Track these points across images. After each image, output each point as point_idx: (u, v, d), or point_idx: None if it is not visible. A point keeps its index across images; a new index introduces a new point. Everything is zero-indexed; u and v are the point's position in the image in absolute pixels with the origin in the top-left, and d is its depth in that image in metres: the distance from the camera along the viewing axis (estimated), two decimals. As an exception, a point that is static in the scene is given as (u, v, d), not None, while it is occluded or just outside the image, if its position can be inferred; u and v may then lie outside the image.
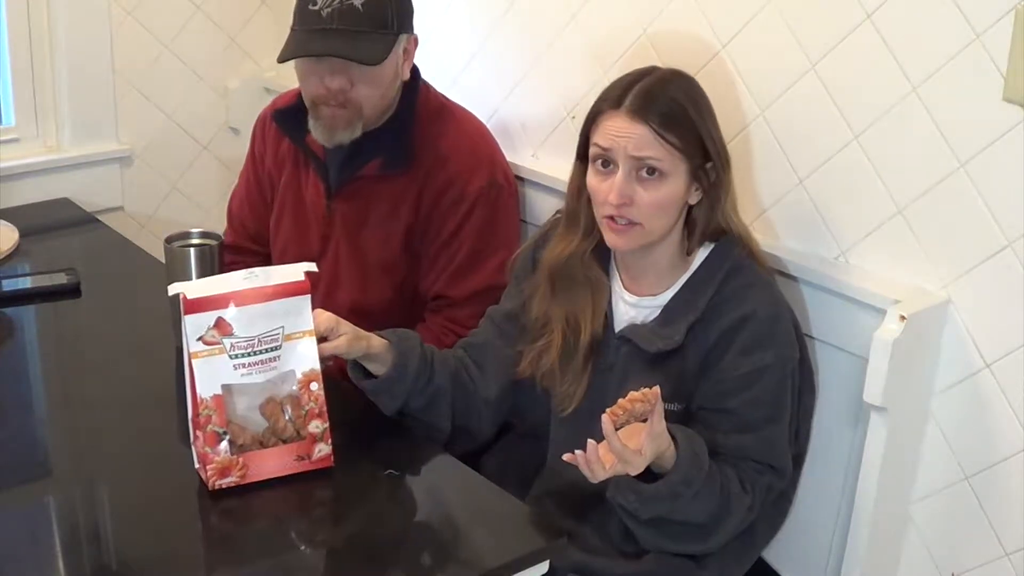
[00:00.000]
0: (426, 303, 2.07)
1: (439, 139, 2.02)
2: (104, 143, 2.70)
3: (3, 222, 2.37)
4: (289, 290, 1.55)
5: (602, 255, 1.73)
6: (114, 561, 1.47)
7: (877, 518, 1.73)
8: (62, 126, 2.65)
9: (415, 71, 2.05)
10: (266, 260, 2.18)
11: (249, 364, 1.53)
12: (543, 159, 2.25)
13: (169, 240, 1.97)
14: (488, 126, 2.22)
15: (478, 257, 2.00)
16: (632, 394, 1.46)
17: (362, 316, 2.06)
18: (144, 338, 1.98)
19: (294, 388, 1.56)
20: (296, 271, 1.57)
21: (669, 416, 1.57)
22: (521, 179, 2.26)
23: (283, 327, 1.55)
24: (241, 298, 1.53)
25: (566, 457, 1.48)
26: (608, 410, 1.45)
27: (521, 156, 2.29)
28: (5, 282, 2.11)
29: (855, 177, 1.76)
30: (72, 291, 2.13)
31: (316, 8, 1.87)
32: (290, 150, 2.12)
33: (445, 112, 2.07)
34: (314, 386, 1.57)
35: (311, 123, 1.98)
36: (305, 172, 2.10)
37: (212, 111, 2.83)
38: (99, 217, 2.55)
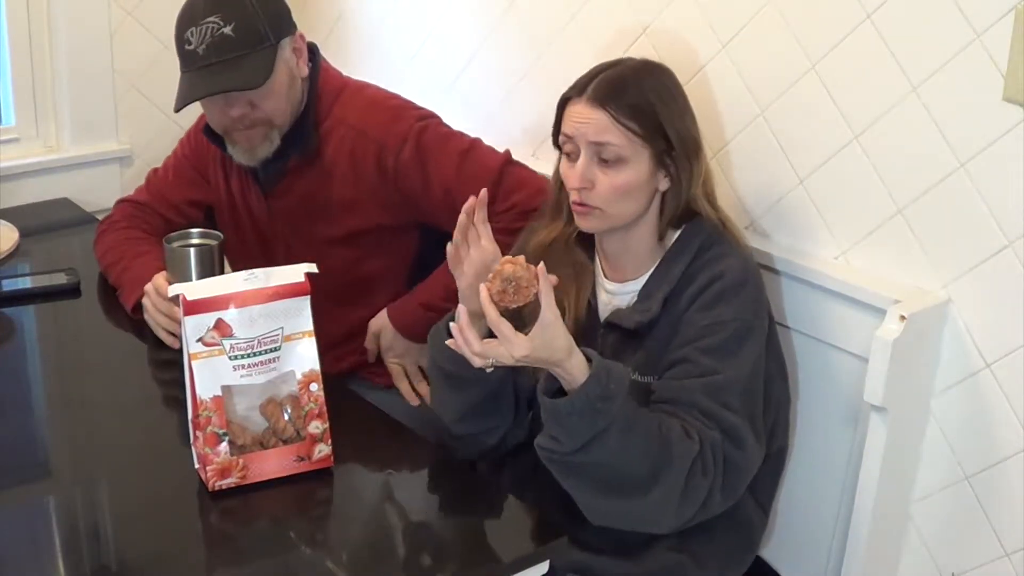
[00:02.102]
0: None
1: (345, 115, 2.02)
2: (104, 143, 2.70)
3: (3, 222, 2.37)
4: (289, 291, 1.55)
5: (586, 243, 1.74)
6: (114, 561, 1.47)
7: (877, 518, 1.73)
8: (62, 126, 2.66)
9: (314, 54, 2.05)
10: (168, 224, 2.15)
11: (249, 365, 1.53)
12: (543, 159, 2.25)
13: (169, 240, 1.98)
14: (488, 126, 2.22)
15: (464, 169, 1.98)
16: (504, 258, 1.45)
17: (332, 300, 2.07)
18: (144, 338, 1.97)
19: (294, 389, 1.56)
20: (296, 272, 1.57)
21: (646, 388, 1.60)
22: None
23: (283, 328, 1.55)
24: (241, 299, 1.53)
25: (448, 342, 1.47)
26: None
27: (521, 156, 2.28)
28: (5, 282, 2.11)
29: (855, 177, 1.76)
30: (72, 291, 2.13)
31: (192, 48, 1.88)
32: (229, 159, 2.11)
33: (345, 90, 2.06)
34: (314, 387, 1.57)
35: (230, 149, 2.00)
36: (245, 179, 2.11)
37: (212, 111, 2.83)
38: (99, 217, 2.54)
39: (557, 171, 1.72)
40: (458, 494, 1.62)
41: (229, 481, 1.53)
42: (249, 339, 1.53)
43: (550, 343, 1.43)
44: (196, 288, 1.53)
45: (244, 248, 2.16)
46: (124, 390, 1.87)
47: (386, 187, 2.01)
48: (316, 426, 1.57)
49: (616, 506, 1.54)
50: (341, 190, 2.03)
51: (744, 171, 1.92)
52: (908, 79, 1.66)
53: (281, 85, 1.93)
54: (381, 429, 1.74)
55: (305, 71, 2.00)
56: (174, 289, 1.54)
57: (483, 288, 1.44)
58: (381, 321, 2.10)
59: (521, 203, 1.95)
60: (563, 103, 1.67)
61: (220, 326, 1.52)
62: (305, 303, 1.56)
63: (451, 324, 1.48)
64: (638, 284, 1.70)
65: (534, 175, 2.02)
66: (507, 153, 2.03)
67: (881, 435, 1.69)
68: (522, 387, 1.77)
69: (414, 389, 2.13)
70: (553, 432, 1.49)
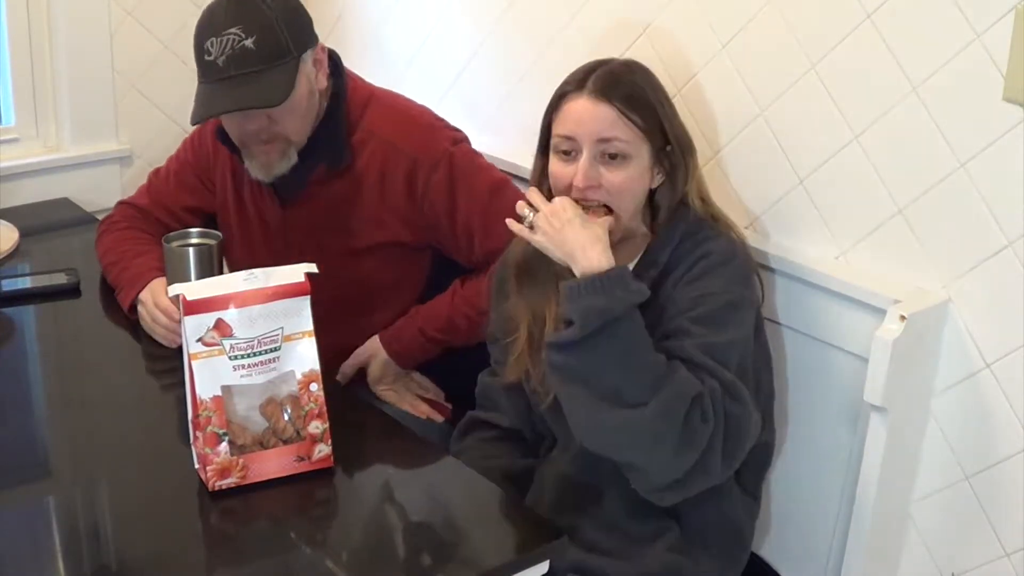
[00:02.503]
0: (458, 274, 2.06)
1: (377, 127, 2.01)
2: (104, 143, 2.70)
3: (3, 222, 2.37)
4: (289, 291, 1.55)
5: None
6: (114, 561, 1.47)
7: (877, 518, 1.73)
8: (62, 126, 2.66)
9: (337, 65, 2.03)
10: (167, 230, 2.11)
11: (249, 365, 1.53)
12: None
13: (168, 240, 1.98)
14: (488, 126, 2.21)
15: (492, 205, 1.96)
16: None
17: (344, 312, 2.07)
18: (144, 338, 1.97)
19: (294, 389, 1.56)
20: (296, 272, 1.57)
21: None
22: (521, 179, 2.26)
23: (283, 328, 1.55)
24: (241, 299, 1.53)
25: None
26: None
27: (521, 156, 2.28)
28: (5, 282, 2.11)
29: (855, 177, 1.76)
30: (72, 291, 2.13)
31: (212, 59, 1.84)
32: (239, 166, 2.10)
33: (373, 100, 2.05)
34: (314, 387, 1.57)
35: (247, 162, 1.97)
36: (258, 187, 2.08)
37: (212, 111, 2.83)
38: (99, 217, 2.54)
39: (537, 177, 1.69)
40: (458, 494, 1.62)
41: (229, 481, 1.53)
42: (249, 339, 1.53)
43: (589, 227, 1.56)
44: (196, 288, 1.53)
45: (251, 256, 2.14)
46: (124, 390, 1.86)
47: (412, 205, 1.99)
48: (316, 426, 1.57)
49: (611, 419, 1.52)
50: (368, 202, 2.01)
51: (744, 171, 1.92)
52: (908, 79, 1.66)
53: (301, 100, 1.90)
54: (381, 429, 1.74)
55: (324, 83, 1.96)
56: (174, 289, 1.54)
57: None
58: (372, 347, 2.08)
59: None
60: (558, 99, 1.66)
61: (220, 326, 1.52)
62: (305, 303, 1.56)
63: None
64: None
65: None
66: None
67: (881, 435, 1.69)
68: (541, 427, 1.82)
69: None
70: (569, 314, 1.54)
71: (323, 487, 1.57)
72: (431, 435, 2.00)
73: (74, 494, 1.60)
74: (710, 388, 1.53)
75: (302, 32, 1.91)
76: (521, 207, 1.61)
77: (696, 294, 1.60)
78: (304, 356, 1.57)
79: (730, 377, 1.55)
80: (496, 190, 1.99)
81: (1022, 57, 1.52)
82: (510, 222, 1.62)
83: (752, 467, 1.73)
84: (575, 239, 1.56)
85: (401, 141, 1.99)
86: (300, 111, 1.92)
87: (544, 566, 1.48)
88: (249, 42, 1.83)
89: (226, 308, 1.52)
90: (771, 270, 1.84)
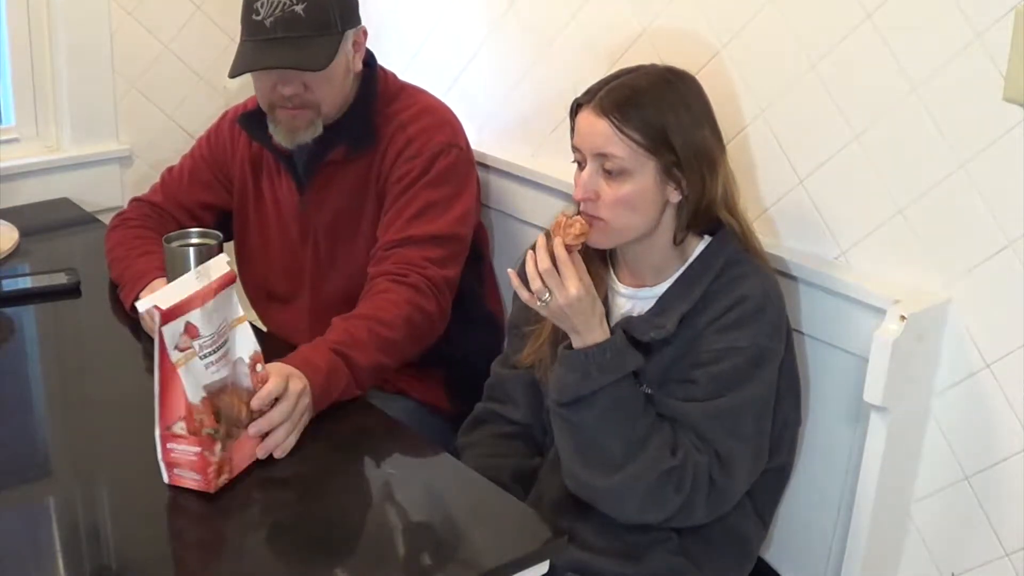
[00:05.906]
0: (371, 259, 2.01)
1: (399, 113, 2.05)
2: (104, 143, 2.70)
3: (3, 222, 2.37)
4: (225, 282, 1.54)
5: (604, 250, 1.73)
6: (114, 561, 1.47)
7: (877, 518, 1.73)
8: (62, 126, 2.66)
9: (371, 58, 2.07)
10: (181, 227, 2.11)
11: (216, 361, 1.51)
12: (543, 159, 2.25)
13: (168, 240, 1.98)
14: (488, 126, 2.20)
15: (437, 206, 1.98)
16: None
17: (354, 303, 2.07)
18: (144, 338, 1.97)
19: (246, 372, 1.55)
20: (222, 263, 1.55)
21: (648, 399, 1.64)
22: (521, 179, 2.26)
23: (226, 318, 1.53)
24: (201, 298, 1.50)
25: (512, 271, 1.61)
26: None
27: (521, 156, 2.29)
28: (5, 282, 2.11)
29: (855, 177, 1.76)
30: (72, 291, 2.13)
31: (259, 18, 1.88)
32: (258, 155, 2.12)
33: (404, 93, 2.09)
34: (259, 367, 1.56)
35: (271, 127, 2.00)
36: (277, 174, 2.11)
37: (212, 111, 2.83)
38: (99, 217, 2.55)
39: None
40: (458, 494, 1.62)
41: (223, 479, 1.52)
42: (212, 335, 1.51)
43: (593, 305, 1.57)
44: (164, 295, 1.49)
45: (265, 246, 2.15)
46: (124, 390, 1.86)
47: (393, 173, 2.00)
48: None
49: (582, 474, 1.63)
50: (375, 181, 2.03)
51: (744, 171, 1.92)
52: (908, 79, 1.66)
53: (337, 74, 1.95)
54: (381, 429, 1.74)
55: (359, 66, 2.02)
56: (143, 304, 1.50)
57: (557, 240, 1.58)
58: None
59: (413, 260, 1.92)
60: (575, 107, 1.66)
61: (189, 329, 1.49)
62: (232, 291, 1.56)
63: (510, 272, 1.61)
64: (657, 291, 1.69)
65: (455, 268, 2.00)
66: (458, 231, 2.00)
67: (881, 435, 1.69)
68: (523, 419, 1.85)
69: None
70: (555, 378, 1.62)
71: (323, 486, 1.57)
72: (431, 434, 1.99)
73: (74, 494, 1.60)
74: (695, 463, 1.59)
75: (349, 10, 1.96)
76: (541, 292, 1.57)
77: (723, 346, 1.61)
78: (246, 340, 1.56)
79: (727, 447, 1.60)
80: (443, 206, 1.98)
81: (1022, 57, 1.52)
82: (519, 288, 1.59)
83: (765, 490, 1.75)
84: (577, 321, 1.58)
85: (414, 121, 2.03)
86: (336, 83, 1.96)
87: (544, 566, 1.48)
88: (299, 8, 1.88)
89: (192, 309, 1.49)
90: (771, 270, 1.84)
